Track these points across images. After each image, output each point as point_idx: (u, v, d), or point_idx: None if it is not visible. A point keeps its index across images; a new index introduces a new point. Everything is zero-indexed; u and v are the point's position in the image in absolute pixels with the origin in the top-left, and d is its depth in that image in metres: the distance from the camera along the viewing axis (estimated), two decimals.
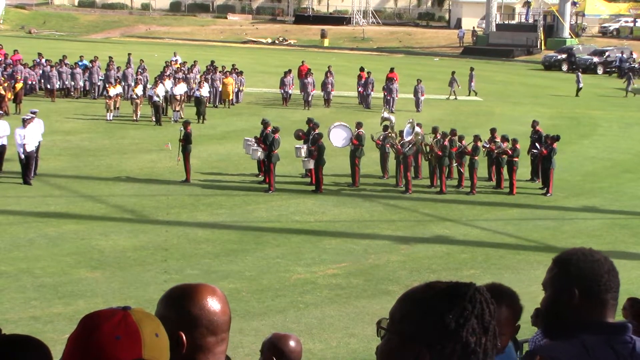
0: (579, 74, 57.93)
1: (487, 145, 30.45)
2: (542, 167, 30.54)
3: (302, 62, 53.21)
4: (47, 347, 3.48)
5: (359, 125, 31.12)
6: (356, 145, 30.36)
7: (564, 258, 3.78)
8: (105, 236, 23.49)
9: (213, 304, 3.42)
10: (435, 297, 2.96)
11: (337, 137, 31.01)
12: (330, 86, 48.95)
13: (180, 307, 3.39)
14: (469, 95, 53.75)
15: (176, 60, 54.31)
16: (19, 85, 43.74)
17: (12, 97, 42.98)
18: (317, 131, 30.24)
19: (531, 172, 31.64)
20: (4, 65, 48.98)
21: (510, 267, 21.91)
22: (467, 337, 2.86)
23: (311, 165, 29.58)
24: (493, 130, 31.38)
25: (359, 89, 49.42)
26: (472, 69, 54.60)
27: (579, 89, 56.30)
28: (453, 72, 53.07)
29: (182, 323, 3.35)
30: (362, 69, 49.96)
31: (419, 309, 2.95)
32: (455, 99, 51.83)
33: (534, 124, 32.48)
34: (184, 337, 3.35)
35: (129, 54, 54.99)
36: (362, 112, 47.10)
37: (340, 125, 31.41)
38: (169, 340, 3.26)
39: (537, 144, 30.82)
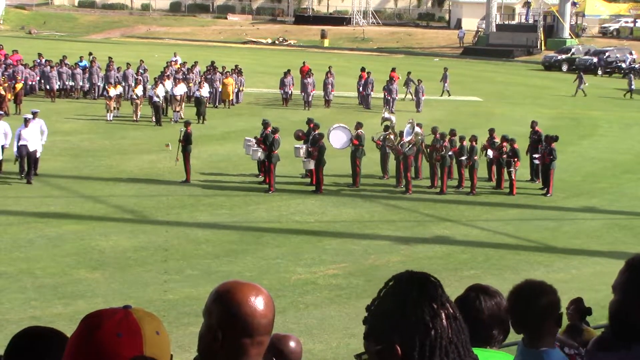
0: (582, 74, 57.75)
1: (491, 155, 30.38)
2: (542, 167, 30.54)
3: (304, 62, 53.21)
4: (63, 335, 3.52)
5: (358, 125, 31.11)
6: (356, 146, 30.36)
7: (638, 261, 3.67)
8: (105, 236, 23.49)
9: (254, 305, 3.36)
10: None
11: (337, 139, 30.99)
12: (330, 87, 48.95)
13: (222, 303, 3.36)
14: (441, 95, 53.17)
15: (176, 61, 54.30)
16: (19, 86, 43.75)
17: (13, 98, 42.99)
18: (317, 132, 30.24)
19: (531, 172, 31.63)
20: (4, 65, 48.94)
21: (511, 268, 21.91)
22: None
23: (312, 165, 29.58)
24: (491, 131, 31.38)
25: (359, 89, 49.40)
26: (445, 69, 54.15)
27: (577, 89, 56.26)
28: (409, 73, 52.71)
29: (221, 319, 3.35)
30: (363, 69, 49.95)
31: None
32: (412, 99, 50.83)
33: (533, 124, 32.50)
34: (220, 334, 3.34)
35: (127, 63, 54.91)
36: (362, 112, 47.09)
37: (339, 126, 31.38)
38: (208, 333, 3.30)
39: (535, 156, 30.83)
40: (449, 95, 53.40)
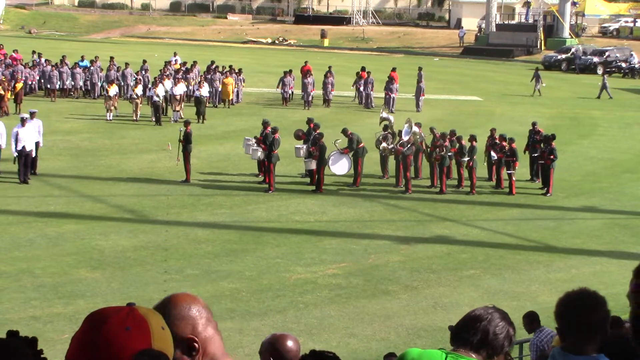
0: (539, 74, 56.76)
1: (495, 157, 30.35)
2: (542, 167, 30.54)
3: (305, 62, 53.18)
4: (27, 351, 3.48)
5: (345, 131, 30.99)
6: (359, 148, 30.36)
7: None
8: (105, 236, 23.49)
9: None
10: None
11: (339, 167, 30.55)
12: (330, 86, 48.94)
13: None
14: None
15: (176, 61, 54.28)
16: (19, 85, 43.73)
17: (13, 97, 42.99)
18: (317, 131, 30.24)
19: (531, 172, 31.63)
20: (4, 65, 48.93)
21: (510, 267, 21.91)
22: None
23: (313, 165, 29.57)
24: (493, 131, 31.38)
25: (360, 88, 49.37)
26: (420, 69, 53.51)
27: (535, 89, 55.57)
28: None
29: None
30: (363, 69, 49.90)
31: None
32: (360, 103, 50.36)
33: (534, 125, 32.56)
34: None
35: (126, 63, 54.86)
36: (361, 112, 47.13)
37: (334, 154, 30.73)
38: None
39: (534, 155, 30.86)
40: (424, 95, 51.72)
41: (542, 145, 30.67)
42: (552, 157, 29.61)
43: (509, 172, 29.83)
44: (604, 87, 55.06)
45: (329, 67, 50.55)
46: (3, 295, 18.69)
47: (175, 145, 30.50)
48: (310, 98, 48.21)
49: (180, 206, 27.08)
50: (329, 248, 23.19)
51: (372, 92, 48.64)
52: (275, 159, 29.23)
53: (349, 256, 22.48)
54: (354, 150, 30.41)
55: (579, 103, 53.22)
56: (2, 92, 41.73)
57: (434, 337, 16.79)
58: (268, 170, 29.56)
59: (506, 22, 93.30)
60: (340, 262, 21.95)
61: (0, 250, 21.98)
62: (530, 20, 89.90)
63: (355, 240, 24.03)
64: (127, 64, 49.14)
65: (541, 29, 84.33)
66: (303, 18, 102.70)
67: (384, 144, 31.23)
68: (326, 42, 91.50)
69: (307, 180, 30.51)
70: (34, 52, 51.98)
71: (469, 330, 4.13)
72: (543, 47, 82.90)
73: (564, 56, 74.32)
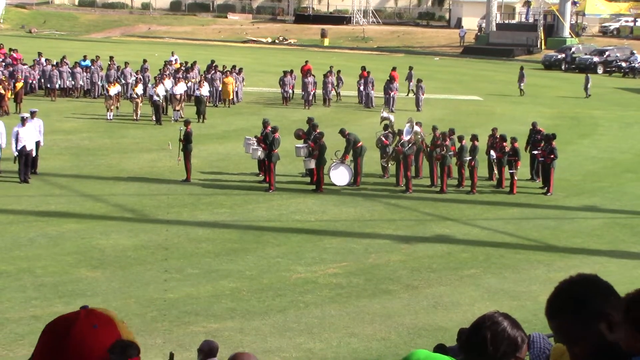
0: (523, 73, 56.49)
1: (495, 156, 30.35)
2: (543, 166, 30.55)
3: (306, 62, 53.18)
4: None
5: (342, 132, 30.95)
6: (359, 147, 30.35)
7: None
8: (105, 235, 23.50)
9: None
10: None
11: (339, 177, 30.40)
12: (330, 86, 48.96)
13: None
14: (407, 94, 52.01)
15: (175, 60, 54.28)
16: (19, 85, 43.73)
17: (13, 97, 42.99)
18: (317, 131, 30.24)
19: (531, 171, 31.63)
20: (4, 64, 48.93)
21: (511, 267, 21.91)
22: None
23: (312, 165, 29.57)
24: (494, 130, 31.38)
25: (360, 88, 49.36)
26: (410, 68, 53.34)
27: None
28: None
29: None
30: (363, 68, 49.88)
31: None
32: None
33: (534, 125, 32.61)
34: None
35: (126, 62, 54.81)
36: (362, 111, 47.14)
37: (336, 164, 30.58)
38: None
39: (535, 152, 30.88)
40: (414, 94, 51.68)
41: (542, 144, 30.67)
42: (552, 156, 29.61)
43: (511, 171, 29.85)
44: (586, 84, 55.09)
45: (330, 67, 50.55)
46: (3, 294, 18.69)
47: (176, 145, 30.50)
48: (310, 97, 48.22)
49: (180, 205, 27.08)
50: (330, 247, 23.20)
51: (372, 92, 48.65)
52: (275, 158, 29.24)
53: (349, 255, 22.48)
54: (352, 151, 30.38)
55: (579, 103, 53.21)
56: (3, 92, 41.75)
57: (435, 336, 16.78)
58: (268, 170, 29.56)
59: (506, 21, 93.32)
60: (341, 261, 21.96)
61: (1, 249, 21.98)
62: (531, 20, 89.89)
63: (355, 239, 24.03)
64: (126, 64, 49.13)
65: (541, 28, 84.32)
66: (303, 17, 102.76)
67: (383, 158, 31.26)
68: (326, 42, 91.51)
69: (308, 179, 30.51)
70: (39, 53, 51.86)
71: (477, 336, 4.10)
72: (543, 47, 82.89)
73: (564, 55, 74.31)
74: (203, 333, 16.42)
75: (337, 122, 39.22)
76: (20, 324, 16.94)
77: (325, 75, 49.20)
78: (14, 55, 51.67)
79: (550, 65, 73.74)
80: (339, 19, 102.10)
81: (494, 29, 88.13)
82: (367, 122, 40.89)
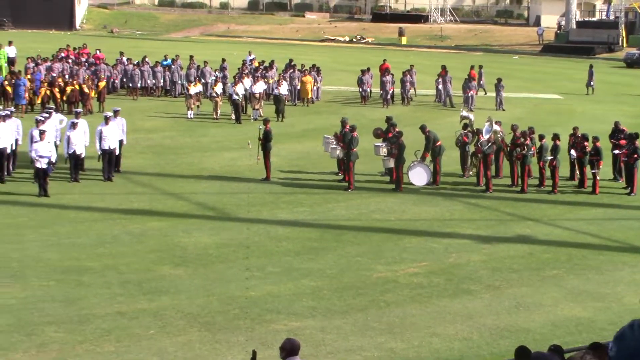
0: (592, 71, 55.24)
1: (575, 155, 29.99)
2: (626, 166, 30.08)
3: (384, 60, 53.11)
4: None
5: (423, 128, 30.78)
6: (438, 146, 30.21)
7: None
8: (187, 233, 23.75)
9: None
10: None
11: (418, 177, 30.21)
12: (408, 85, 48.84)
13: None
14: (485, 93, 51.09)
15: (253, 59, 54.61)
16: (102, 84, 44.46)
17: (96, 96, 43.73)
18: (396, 130, 30.19)
19: (614, 171, 31.17)
20: (87, 64, 49.81)
21: (594, 268, 21.61)
22: None
23: (391, 164, 29.52)
24: (575, 129, 30.98)
25: (438, 86, 49.14)
26: (480, 67, 52.45)
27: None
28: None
29: None
30: (443, 67, 49.60)
31: None
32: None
33: (616, 124, 32.17)
34: None
35: (205, 61, 55.32)
36: (440, 110, 46.92)
37: (415, 164, 30.41)
38: None
39: (615, 152, 30.45)
40: (485, 92, 51.33)
41: (623, 143, 30.20)
42: (635, 156, 29.14)
43: (593, 171, 29.44)
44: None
45: (411, 66, 50.35)
46: (89, 290, 19.01)
47: (255, 144, 30.70)
48: (389, 96, 48.14)
49: (260, 204, 27.26)
50: (410, 247, 23.14)
51: (451, 91, 48.40)
52: (354, 157, 29.25)
53: (429, 255, 22.40)
54: (431, 149, 30.24)
55: None
56: (87, 91, 42.49)
57: (517, 337, 16.66)
58: (347, 169, 29.59)
59: (586, 19, 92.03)
60: (421, 261, 21.89)
61: (86, 246, 22.37)
62: (612, 17, 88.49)
63: (436, 239, 23.94)
64: (205, 63, 49.62)
65: (623, 25, 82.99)
66: (380, 16, 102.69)
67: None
68: (404, 40, 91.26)
69: (387, 178, 30.47)
70: (121, 52, 52.69)
71: None
72: (625, 45, 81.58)
73: None
74: (285, 331, 16.52)
75: (415, 121, 39.07)
76: (106, 320, 17.21)
77: (403, 74, 49.09)
78: (97, 54, 52.54)
79: (632, 63, 72.50)
80: (417, 17, 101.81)
81: (574, 26, 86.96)
82: (446, 122, 40.67)
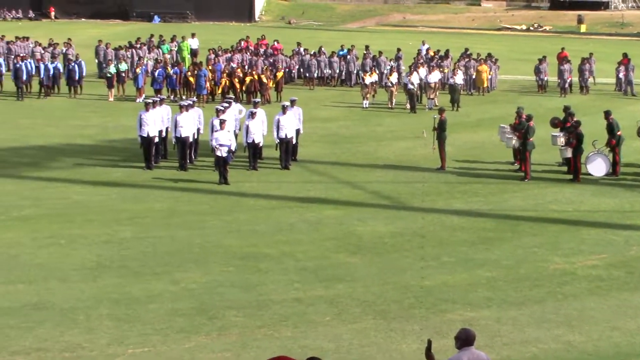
0: None
1: None
2: None
3: (562, 48, 52.08)
4: None
5: (607, 114, 29.84)
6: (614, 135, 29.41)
7: None
8: (362, 222, 23.95)
9: None
10: None
11: (597, 168, 29.38)
12: (587, 73, 47.70)
13: None
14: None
15: (428, 49, 54.44)
16: (279, 74, 45.29)
17: (274, 86, 44.58)
18: (574, 119, 29.57)
19: None
20: (265, 55, 50.85)
21: None
22: None
23: (569, 153, 28.94)
24: None
25: (619, 75, 47.77)
26: (591, 55, 49.86)
27: None
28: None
29: None
30: (625, 55, 48.19)
31: None
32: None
33: None
34: None
35: (380, 51, 55.48)
36: (621, 99, 45.65)
37: (593, 154, 29.56)
38: None
39: None
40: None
41: None
42: None
43: None
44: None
45: (590, 54, 49.19)
46: (268, 277, 19.44)
47: (430, 133, 30.66)
48: (566, 85, 47.14)
49: (435, 193, 27.22)
50: (588, 238, 22.64)
51: (633, 79, 46.98)
52: (530, 146, 28.82)
53: (608, 247, 21.86)
54: (615, 136, 29.44)
55: None
56: (265, 81, 43.39)
57: None
58: (523, 159, 29.18)
59: None
60: (600, 253, 21.39)
61: (265, 233, 22.86)
62: None
63: (615, 231, 23.33)
64: (380, 53, 49.84)
65: None
66: (559, 3, 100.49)
67: None
68: (583, 28, 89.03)
69: (564, 169, 29.89)
70: (299, 43, 53.51)
71: None
72: None
73: None
74: (460, 321, 16.47)
75: (594, 110, 38.13)
76: (284, 306, 17.57)
77: (582, 62, 47.98)
78: (275, 45, 53.55)
79: None
80: (597, 4, 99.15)
81: None
82: (626, 110, 39.56)
